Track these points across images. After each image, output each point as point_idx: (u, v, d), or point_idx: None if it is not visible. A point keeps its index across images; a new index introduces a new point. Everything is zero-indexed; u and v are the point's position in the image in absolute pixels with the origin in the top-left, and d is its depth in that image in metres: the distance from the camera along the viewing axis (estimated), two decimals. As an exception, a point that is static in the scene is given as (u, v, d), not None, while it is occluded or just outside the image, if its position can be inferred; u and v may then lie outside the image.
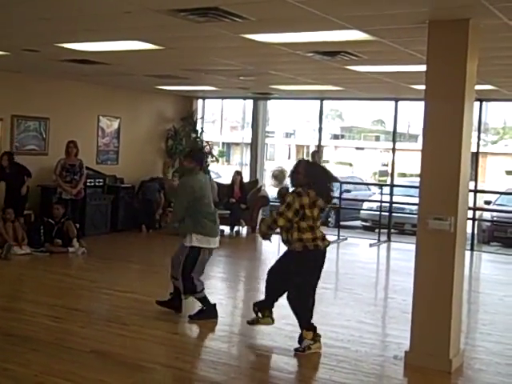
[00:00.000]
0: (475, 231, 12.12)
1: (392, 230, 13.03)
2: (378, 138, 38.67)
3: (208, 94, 13.68)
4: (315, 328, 5.47)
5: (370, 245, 12.00)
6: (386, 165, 28.84)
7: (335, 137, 38.82)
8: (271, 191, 11.12)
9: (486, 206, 14.47)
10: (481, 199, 14.31)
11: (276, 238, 5.93)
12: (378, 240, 12.34)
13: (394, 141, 13.46)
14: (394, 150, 13.37)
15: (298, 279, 5.42)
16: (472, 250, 11.51)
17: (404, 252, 11.16)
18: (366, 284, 8.68)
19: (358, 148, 37.55)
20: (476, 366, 5.34)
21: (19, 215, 9.75)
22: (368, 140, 38.89)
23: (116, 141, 12.68)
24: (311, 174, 5.47)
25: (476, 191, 12.20)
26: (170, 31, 6.18)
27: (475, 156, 11.83)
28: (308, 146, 34.01)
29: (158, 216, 12.20)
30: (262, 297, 5.96)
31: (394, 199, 13.09)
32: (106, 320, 6.21)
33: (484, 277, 9.85)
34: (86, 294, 7.47)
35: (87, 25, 6.11)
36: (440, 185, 5.06)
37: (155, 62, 8.60)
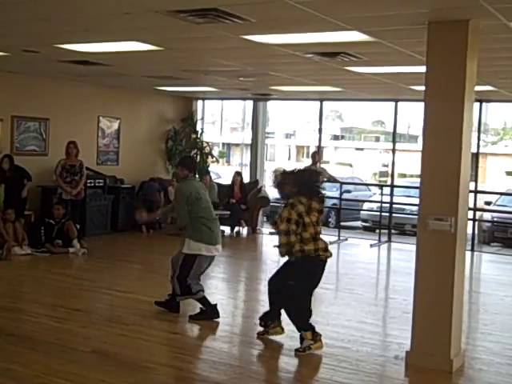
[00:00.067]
0: (475, 232, 12.12)
1: (392, 231, 13.03)
2: (378, 139, 38.69)
3: (208, 94, 13.69)
4: (313, 327, 5.47)
5: (371, 245, 12.01)
6: (386, 165, 28.86)
7: (335, 137, 38.86)
8: (271, 192, 11.13)
9: (487, 207, 14.47)
10: (481, 200, 14.31)
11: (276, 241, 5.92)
12: (379, 240, 12.35)
13: (394, 141, 13.47)
14: (394, 150, 13.38)
15: (293, 283, 5.42)
16: (472, 250, 11.51)
17: (404, 252, 11.17)
18: (367, 284, 8.69)
19: (357, 149, 37.58)
20: (477, 365, 5.34)
21: (20, 216, 9.75)
22: (368, 141, 38.91)
23: (116, 141, 12.69)
24: (297, 182, 5.51)
25: (476, 192, 12.21)
26: (170, 32, 6.18)
27: (475, 157, 11.84)
28: (308, 147, 34.05)
29: (158, 216, 12.15)
30: (262, 297, 5.96)
31: (395, 200, 13.10)
32: (107, 320, 6.21)
33: (484, 277, 9.85)
34: (86, 294, 7.48)
35: (87, 26, 6.12)
36: (440, 185, 5.07)
37: (155, 62, 8.61)
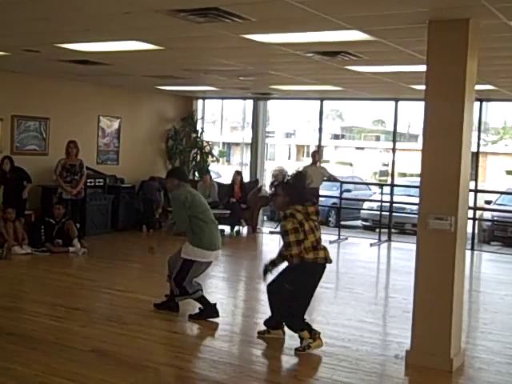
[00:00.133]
0: (476, 231, 12.13)
1: (392, 230, 13.04)
2: (378, 138, 38.68)
3: (208, 94, 13.69)
4: (310, 326, 5.47)
5: (371, 244, 12.01)
6: (387, 165, 28.87)
7: (335, 137, 38.85)
8: (277, 184, 11.12)
9: (487, 206, 14.48)
10: (481, 199, 14.32)
11: (276, 239, 5.92)
12: (379, 240, 12.35)
13: (394, 141, 13.46)
14: (394, 149, 13.37)
15: (291, 288, 5.43)
16: (472, 249, 11.52)
17: (404, 252, 11.17)
18: (367, 283, 8.69)
19: (358, 148, 37.57)
20: (477, 365, 5.34)
21: (20, 215, 9.75)
22: (368, 140, 38.91)
23: (116, 141, 12.69)
24: (288, 191, 5.53)
25: (476, 191, 12.21)
26: (170, 31, 6.18)
27: (475, 156, 11.84)
28: (308, 146, 34.04)
29: (157, 215, 12.19)
30: (262, 296, 5.97)
31: (395, 199, 13.10)
32: (107, 319, 6.22)
33: (484, 276, 9.86)
34: (86, 293, 7.48)
35: (87, 25, 6.12)
36: (440, 184, 5.07)
37: (155, 62, 8.60)
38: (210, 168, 14.23)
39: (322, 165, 13.17)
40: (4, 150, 10.47)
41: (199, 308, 6.38)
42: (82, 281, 8.04)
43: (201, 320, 6.25)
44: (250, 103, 14.17)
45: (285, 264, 5.63)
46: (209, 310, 6.32)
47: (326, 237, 11.30)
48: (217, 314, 6.32)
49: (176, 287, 6.34)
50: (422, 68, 5.33)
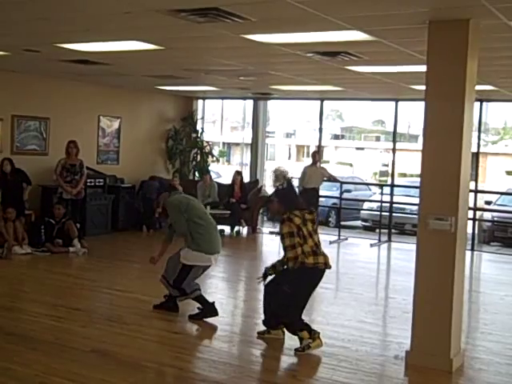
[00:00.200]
0: (476, 231, 12.12)
1: (392, 230, 13.03)
2: (378, 139, 38.67)
3: (208, 94, 13.70)
4: (308, 326, 5.47)
5: (371, 245, 12.01)
6: (387, 165, 28.86)
7: (335, 137, 38.84)
8: (271, 191, 11.12)
9: (487, 206, 14.48)
10: (481, 199, 14.32)
11: (276, 241, 5.93)
12: (379, 240, 12.34)
13: (394, 141, 13.46)
14: (394, 150, 13.37)
15: (288, 290, 5.43)
16: (472, 250, 11.52)
17: (404, 252, 11.17)
18: (367, 284, 8.69)
19: (358, 148, 37.56)
20: (477, 365, 5.34)
21: (20, 215, 9.75)
22: (368, 140, 38.90)
23: (116, 141, 12.69)
24: (282, 198, 5.57)
25: (476, 191, 12.21)
26: (171, 31, 6.18)
27: (475, 156, 11.84)
28: (308, 146, 34.03)
29: (157, 214, 12.14)
30: (261, 296, 5.95)
31: (395, 199, 13.10)
32: (107, 319, 6.22)
33: (484, 277, 9.85)
34: (86, 293, 7.48)
35: (87, 25, 6.12)
36: (440, 185, 5.07)
37: (155, 62, 8.61)
38: (210, 168, 14.23)
39: (322, 165, 13.18)
40: (4, 150, 10.48)
41: (198, 308, 6.38)
42: (82, 281, 8.04)
43: (200, 320, 6.25)
44: (250, 103, 14.18)
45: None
46: (208, 310, 6.33)
47: (326, 237, 11.32)
48: (216, 313, 6.32)
49: (174, 289, 6.36)
50: (422, 68, 5.33)
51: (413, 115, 31.03)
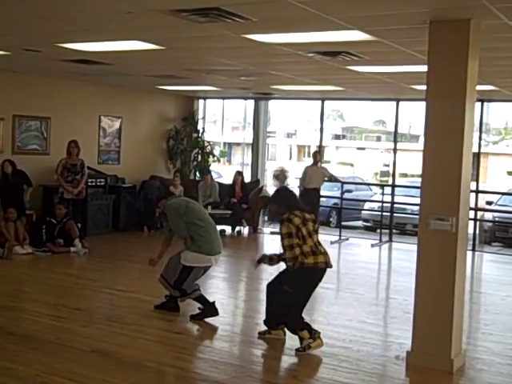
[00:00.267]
0: (477, 231, 12.11)
1: (393, 231, 13.02)
2: (379, 139, 38.67)
3: (209, 94, 13.70)
4: (309, 326, 5.47)
5: (372, 245, 12.00)
6: (388, 165, 28.85)
7: (336, 137, 38.85)
8: (272, 191, 11.13)
9: (488, 207, 14.46)
10: (482, 200, 14.31)
11: (277, 241, 5.92)
12: (380, 240, 12.34)
13: (395, 141, 13.45)
14: (395, 150, 13.36)
15: (289, 290, 5.43)
16: (474, 250, 11.51)
17: (405, 252, 11.16)
18: (368, 284, 8.68)
19: (359, 148, 37.57)
20: (478, 366, 5.34)
21: (21, 215, 9.75)
22: (369, 140, 38.90)
23: (117, 141, 12.70)
24: (281, 199, 5.60)
25: (477, 191, 12.21)
26: (172, 31, 6.18)
27: (477, 156, 11.83)
28: (309, 146, 34.04)
29: (157, 213, 12.15)
30: (262, 296, 5.96)
31: (396, 199, 13.10)
32: (108, 319, 6.22)
33: (485, 277, 9.85)
34: (87, 293, 7.49)
35: (88, 25, 6.12)
36: (441, 185, 5.06)
37: (156, 62, 8.61)
38: (210, 168, 14.23)
39: (323, 165, 13.17)
40: (5, 150, 10.48)
41: (199, 308, 6.39)
42: (83, 281, 8.04)
43: (201, 320, 6.25)
44: (251, 103, 14.17)
45: (283, 265, 5.64)
46: (208, 309, 6.33)
47: (327, 237, 11.32)
48: (216, 313, 6.32)
49: (175, 290, 6.37)
50: (423, 68, 5.32)
51: (414, 115, 31.03)
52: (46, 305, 6.73)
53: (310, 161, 13.06)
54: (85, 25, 6.11)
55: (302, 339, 5.42)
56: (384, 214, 12.98)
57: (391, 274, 9.94)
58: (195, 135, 14.17)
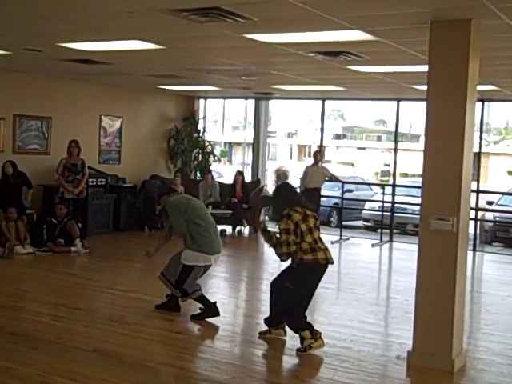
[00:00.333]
0: (477, 231, 12.11)
1: (394, 230, 13.02)
2: (379, 138, 38.67)
3: (210, 93, 13.69)
4: (311, 326, 5.47)
5: (372, 245, 12.00)
6: (388, 165, 28.85)
7: (337, 137, 38.86)
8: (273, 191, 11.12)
9: (489, 207, 14.46)
10: (483, 199, 14.31)
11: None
12: (380, 240, 12.34)
13: (395, 141, 13.45)
14: (395, 150, 13.36)
15: (291, 286, 5.43)
16: (474, 250, 11.51)
17: (406, 252, 11.16)
18: (369, 284, 8.68)
19: (359, 148, 37.57)
20: (479, 366, 5.34)
21: (20, 215, 9.73)
22: (370, 140, 38.90)
23: (118, 140, 12.70)
24: (283, 195, 5.58)
25: (478, 191, 12.21)
26: (172, 31, 6.18)
27: (477, 156, 11.83)
28: (310, 146, 34.06)
29: (157, 211, 12.14)
30: (263, 296, 5.97)
31: (396, 199, 13.10)
32: (109, 319, 6.22)
33: (486, 277, 9.85)
34: (88, 293, 7.48)
35: (89, 24, 6.12)
36: (442, 185, 5.06)
37: (157, 61, 8.61)
38: (211, 168, 14.23)
39: (324, 165, 13.16)
40: (6, 150, 10.49)
41: (200, 308, 6.39)
42: (83, 280, 8.04)
43: (202, 320, 6.25)
44: (251, 103, 14.18)
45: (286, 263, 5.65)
46: (209, 310, 6.33)
47: (328, 237, 11.31)
48: (217, 313, 6.32)
49: (176, 289, 6.37)
50: (424, 68, 5.32)
51: (414, 115, 31.04)
52: (46, 304, 6.73)
53: (310, 160, 13.06)
54: (85, 24, 6.10)
55: (303, 339, 5.42)
56: (385, 213, 12.98)
57: (392, 274, 9.94)
58: (196, 135, 14.17)
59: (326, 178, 12.46)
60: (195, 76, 10.09)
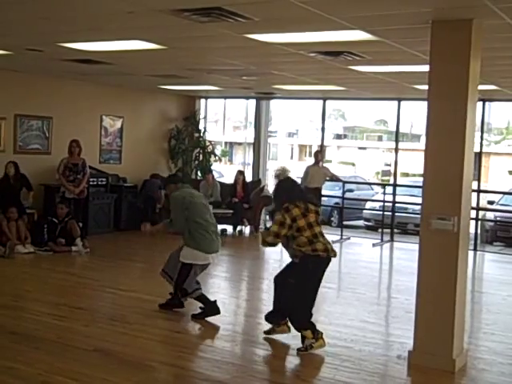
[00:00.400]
0: (478, 231, 12.11)
1: (395, 230, 13.03)
2: (380, 138, 38.69)
3: (211, 93, 13.69)
4: (313, 325, 5.46)
5: (373, 244, 12.00)
6: (389, 164, 28.85)
7: (338, 136, 38.88)
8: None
9: (489, 206, 14.46)
10: (484, 199, 14.30)
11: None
12: (381, 240, 12.34)
13: (396, 141, 13.43)
14: (396, 149, 13.35)
15: (292, 280, 5.44)
16: (475, 249, 11.51)
17: (407, 252, 11.16)
18: (369, 284, 8.68)
19: (360, 148, 37.59)
20: (479, 365, 5.33)
21: (22, 214, 9.74)
22: (371, 140, 38.92)
23: (119, 140, 12.70)
24: (286, 190, 5.56)
25: (479, 191, 12.20)
26: (173, 31, 6.18)
27: (478, 156, 11.83)
28: (310, 146, 34.07)
29: (157, 210, 12.16)
30: (264, 296, 5.97)
31: (397, 199, 13.09)
32: (109, 319, 6.22)
33: (487, 277, 9.85)
34: (89, 292, 7.49)
35: (90, 24, 6.12)
36: (443, 185, 5.06)
37: (158, 61, 8.61)
38: (212, 167, 14.23)
39: (325, 165, 13.17)
40: (7, 149, 10.50)
41: (200, 307, 6.39)
42: (84, 280, 8.05)
43: (203, 319, 6.25)
44: (252, 103, 14.17)
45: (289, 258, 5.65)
46: (210, 308, 6.34)
47: (329, 237, 11.22)
48: (218, 311, 6.33)
49: (175, 289, 6.38)
50: (425, 68, 5.32)
51: (415, 115, 31.04)
52: (47, 304, 6.74)
53: (311, 160, 13.07)
54: (86, 25, 6.11)
55: (304, 338, 5.41)
56: (385, 213, 12.97)
57: (393, 274, 9.94)
58: (197, 135, 14.17)
59: (327, 178, 12.47)
60: (196, 76, 10.09)
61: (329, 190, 14.61)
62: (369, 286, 8.45)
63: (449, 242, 5.02)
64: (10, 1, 5.20)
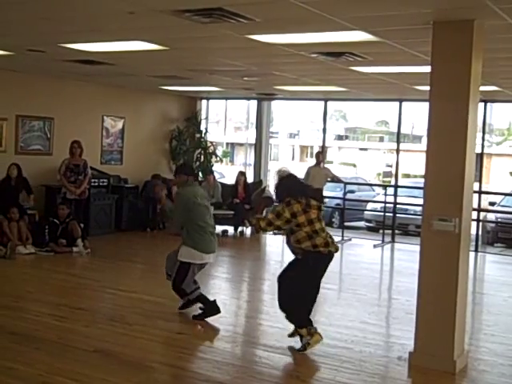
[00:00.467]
0: (479, 232, 12.10)
1: (396, 231, 13.02)
2: (381, 139, 38.69)
3: (212, 94, 13.70)
4: (310, 322, 5.45)
5: (374, 246, 11.99)
6: (390, 166, 28.86)
7: (339, 137, 38.87)
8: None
9: (491, 207, 14.44)
10: (485, 200, 14.29)
11: (279, 240, 5.92)
12: (382, 241, 12.33)
13: (398, 142, 13.44)
14: (398, 150, 13.35)
15: (292, 274, 5.45)
16: (476, 251, 11.50)
17: (408, 253, 11.15)
18: (370, 285, 8.67)
19: (361, 149, 37.58)
20: (480, 367, 5.33)
21: (23, 214, 9.74)
22: (372, 141, 38.91)
23: (120, 141, 12.70)
24: (289, 185, 5.55)
25: (480, 192, 12.19)
26: (175, 32, 6.19)
27: (480, 157, 11.81)
28: (312, 147, 34.06)
29: (158, 209, 12.13)
30: (265, 297, 5.97)
31: (398, 200, 13.08)
32: (110, 319, 6.22)
33: (488, 278, 9.83)
34: (89, 293, 7.49)
35: (91, 25, 6.13)
36: (444, 186, 5.06)
37: (159, 62, 8.61)
38: (213, 168, 14.24)
39: (326, 166, 13.17)
40: (8, 150, 10.50)
41: (200, 308, 6.39)
42: (85, 281, 8.04)
43: (203, 320, 6.25)
44: (253, 103, 14.17)
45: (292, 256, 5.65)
46: (210, 308, 6.33)
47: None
48: (218, 311, 6.33)
49: (174, 289, 6.37)
50: (427, 69, 5.32)
51: (417, 116, 31.02)
52: (48, 304, 6.73)
53: (312, 161, 13.06)
54: (87, 25, 6.11)
55: (301, 337, 5.42)
56: (386, 214, 12.96)
57: (393, 275, 9.92)
58: (198, 135, 14.17)
59: (328, 179, 12.45)
60: (197, 77, 10.09)
61: (330, 191, 14.59)
62: (370, 287, 8.44)
63: (450, 243, 5.01)
64: (10, 1, 5.20)
